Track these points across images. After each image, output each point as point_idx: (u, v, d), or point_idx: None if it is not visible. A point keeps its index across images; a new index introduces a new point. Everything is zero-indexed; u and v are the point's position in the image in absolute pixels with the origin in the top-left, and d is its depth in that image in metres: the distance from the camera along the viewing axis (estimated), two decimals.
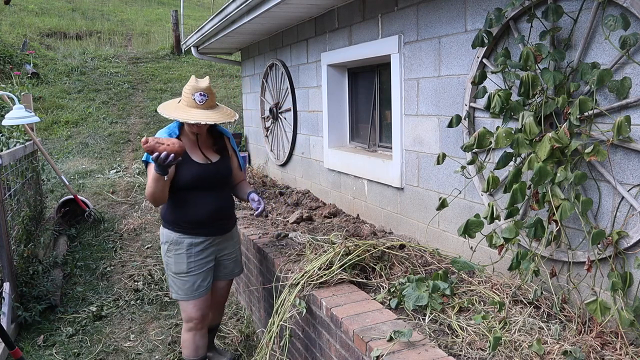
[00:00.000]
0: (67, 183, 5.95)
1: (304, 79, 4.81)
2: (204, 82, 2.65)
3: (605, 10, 1.97)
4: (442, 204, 2.50)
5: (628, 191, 1.98)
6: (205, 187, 2.75)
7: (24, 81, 9.77)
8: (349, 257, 2.60)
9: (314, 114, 4.68)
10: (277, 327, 2.56)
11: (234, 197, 3.03)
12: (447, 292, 2.29)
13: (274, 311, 2.63)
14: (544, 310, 2.18)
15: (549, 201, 2.03)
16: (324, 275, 2.53)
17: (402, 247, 2.87)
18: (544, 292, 2.26)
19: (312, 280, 2.52)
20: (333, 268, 2.55)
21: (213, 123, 2.61)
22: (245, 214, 4.28)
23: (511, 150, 2.18)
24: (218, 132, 2.90)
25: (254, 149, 6.77)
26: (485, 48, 2.53)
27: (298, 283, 2.55)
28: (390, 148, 3.57)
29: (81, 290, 4.53)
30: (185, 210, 2.74)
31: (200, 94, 2.59)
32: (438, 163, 2.54)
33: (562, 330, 2.03)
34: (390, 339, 1.93)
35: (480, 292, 2.37)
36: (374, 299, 2.39)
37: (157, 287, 4.49)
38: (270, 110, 5.73)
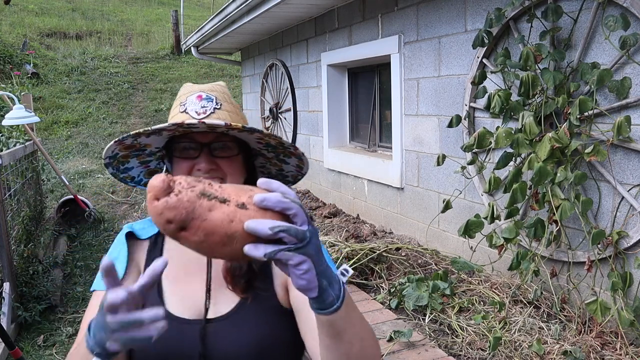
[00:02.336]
0: (67, 183, 5.94)
1: (304, 79, 4.81)
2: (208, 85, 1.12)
3: (605, 10, 1.97)
4: (447, 206, 2.51)
5: (628, 191, 1.98)
6: None
7: (24, 81, 9.77)
8: (350, 262, 2.59)
9: (314, 114, 4.67)
10: None
11: None
12: (447, 292, 2.29)
13: None
14: (544, 310, 2.17)
15: (549, 201, 2.03)
16: None
17: (398, 249, 2.87)
18: (544, 292, 2.26)
19: None
20: None
21: (223, 127, 0.92)
22: None
23: (511, 150, 2.18)
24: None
25: None
26: (485, 48, 2.53)
27: None
28: (390, 148, 3.57)
29: (81, 290, 4.53)
30: None
31: (199, 96, 1.05)
32: (438, 164, 2.54)
33: (562, 330, 2.03)
34: (390, 339, 1.93)
35: (480, 292, 2.37)
36: (374, 299, 2.38)
37: None
38: (270, 110, 5.72)
